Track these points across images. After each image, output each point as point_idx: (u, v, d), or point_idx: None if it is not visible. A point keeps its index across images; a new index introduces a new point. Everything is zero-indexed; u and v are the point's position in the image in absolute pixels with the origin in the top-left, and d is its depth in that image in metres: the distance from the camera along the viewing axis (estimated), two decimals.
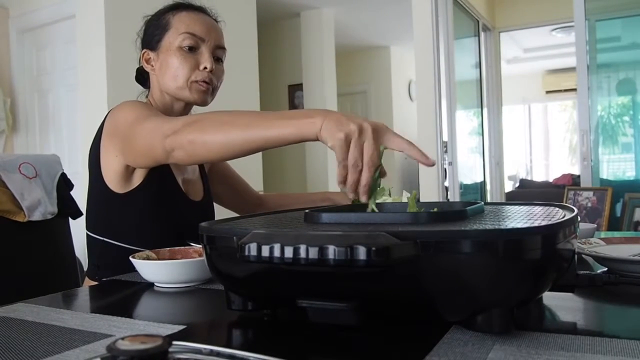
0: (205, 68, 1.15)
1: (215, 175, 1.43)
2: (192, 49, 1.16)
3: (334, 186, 5.20)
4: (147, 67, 1.20)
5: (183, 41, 1.14)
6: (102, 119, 1.17)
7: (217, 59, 1.20)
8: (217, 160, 0.94)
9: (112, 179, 1.12)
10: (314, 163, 5.27)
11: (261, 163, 4.34)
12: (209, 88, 1.18)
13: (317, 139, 0.78)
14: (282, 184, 5.32)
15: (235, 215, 1.40)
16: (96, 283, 1.10)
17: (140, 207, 1.14)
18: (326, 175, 5.22)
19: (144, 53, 1.20)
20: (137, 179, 1.14)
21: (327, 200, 1.45)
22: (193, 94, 1.16)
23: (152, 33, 1.19)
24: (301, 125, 0.79)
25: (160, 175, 1.16)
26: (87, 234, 1.20)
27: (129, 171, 1.12)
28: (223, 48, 1.22)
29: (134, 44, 1.27)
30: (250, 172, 3.92)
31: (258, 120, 0.86)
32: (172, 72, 1.15)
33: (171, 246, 0.99)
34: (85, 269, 1.24)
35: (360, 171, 0.72)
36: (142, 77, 1.28)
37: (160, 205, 1.16)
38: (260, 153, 4.34)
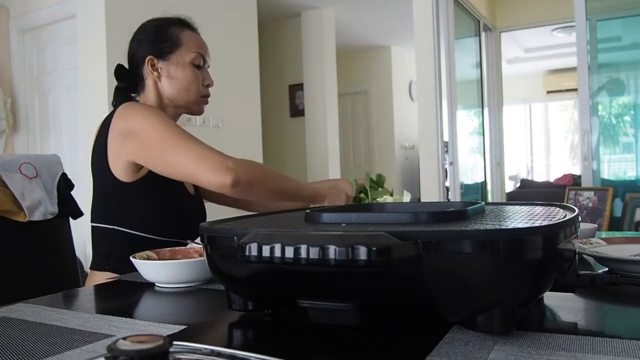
0: (209, 85, 1.33)
1: None
2: (198, 67, 1.31)
3: None
4: (151, 72, 1.28)
5: (195, 59, 1.29)
6: (109, 114, 1.23)
7: None
8: (261, 201, 1.20)
9: (120, 171, 1.19)
10: (315, 159, 5.27)
11: (262, 159, 4.35)
12: (207, 102, 1.36)
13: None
14: None
15: (222, 207, 1.48)
16: (101, 275, 1.15)
17: (148, 195, 1.21)
18: (326, 170, 5.22)
19: (149, 59, 1.27)
20: (145, 170, 1.20)
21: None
22: (200, 106, 1.33)
23: (162, 44, 1.28)
24: (315, 198, 1.28)
25: None
26: (92, 227, 1.24)
27: (137, 166, 1.19)
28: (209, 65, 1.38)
29: None
30: None
31: (293, 181, 1.27)
32: (186, 85, 1.28)
33: (176, 233, 1.07)
34: (85, 269, 1.24)
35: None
36: (124, 75, 1.32)
37: (166, 193, 1.24)
38: (260, 149, 4.37)
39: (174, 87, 1.28)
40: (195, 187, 1.37)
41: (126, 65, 1.33)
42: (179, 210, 1.26)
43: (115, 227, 1.19)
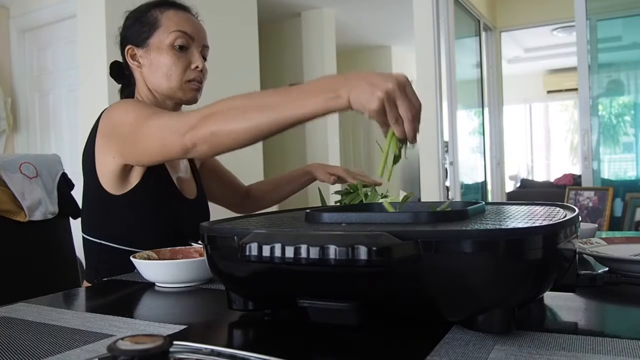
0: (197, 67, 1.17)
1: (206, 172, 1.43)
2: (183, 48, 1.16)
3: None
4: (133, 64, 1.19)
5: (176, 40, 1.15)
6: (96, 120, 1.16)
7: (203, 58, 1.21)
8: (244, 146, 0.92)
9: (108, 180, 1.12)
10: (315, 159, 5.27)
11: (262, 159, 4.34)
12: (200, 87, 1.20)
13: (349, 109, 0.79)
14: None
15: (224, 209, 1.41)
16: None
17: (138, 208, 1.14)
18: None
19: (128, 49, 1.19)
20: (134, 179, 1.13)
21: (306, 174, 1.49)
22: (186, 93, 1.18)
23: (139, 30, 1.17)
24: (328, 102, 0.79)
25: (156, 175, 1.16)
26: (83, 237, 1.19)
27: (125, 171, 1.11)
28: (208, 47, 1.23)
29: None
30: (250, 167, 3.92)
31: (280, 100, 0.85)
32: (165, 70, 1.15)
33: (168, 246, 0.99)
34: (85, 268, 1.24)
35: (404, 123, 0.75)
36: (120, 73, 1.25)
37: (158, 204, 1.16)
38: (260, 149, 4.36)
39: (154, 75, 1.16)
40: (199, 189, 1.30)
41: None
42: (173, 220, 1.18)
43: (103, 242, 1.14)
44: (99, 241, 1.15)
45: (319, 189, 1.52)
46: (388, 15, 5.72)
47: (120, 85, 1.28)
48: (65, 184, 1.31)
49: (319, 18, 5.39)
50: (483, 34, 4.89)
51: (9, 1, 4.08)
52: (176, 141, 0.94)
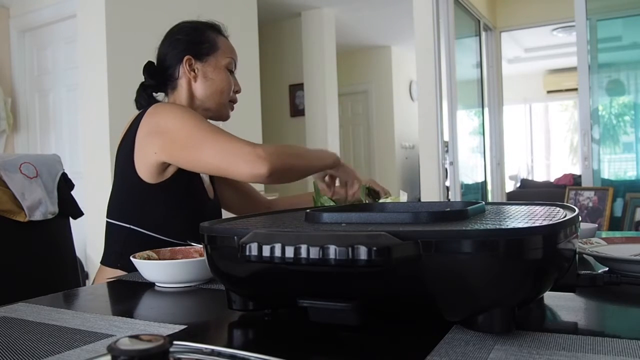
0: (237, 91, 1.37)
1: (223, 181, 1.47)
2: (231, 72, 1.35)
3: None
4: (189, 73, 1.29)
5: (230, 64, 1.34)
6: (139, 113, 1.23)
7: None
8: (297, 180, 1.24)
9: (145, 171, 1.19)
10: None
11: None
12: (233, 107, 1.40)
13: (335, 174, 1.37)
14: (284, 185, 5.31)
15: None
16: (113, 272, 1.16)
17: (170, 198, 1.21)
18: None
19: (187, 59, 1.28)
20: (170, 172, 1.21)
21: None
22: (228, 110, 1.37)
23: (200, 45, 1.30)
24: (332, 164, 1.31)
25: (190, 171, 1.23)
26: (108, 222, 1.24)
27: (164, 165, 1.19)
28: None
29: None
30: None
31: (311, 152, 1.33)
32: (221, 87, 1.32)
33: (192, 237, 1.06)
34: (85, 268, 1.24)
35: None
36: (156, 73, 1.32)
37: (188, 197, 1.24)
38: None
39: (208, 89, 1.30)
40: (215, 192, 1.37)
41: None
42: (198, 215, 1.25)
43: (132, 227, 1.20)
44: (129, 226, 1.20)
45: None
46: (388, 15, 5.72)
47: (141, 82, 1.34)
48: (65, 184, 1.31)
49: (319, 18, 5.39)
50: (483, 34, 4.89)
51: (9, 1, 4.08)
52: (246, 166, 1.10)
